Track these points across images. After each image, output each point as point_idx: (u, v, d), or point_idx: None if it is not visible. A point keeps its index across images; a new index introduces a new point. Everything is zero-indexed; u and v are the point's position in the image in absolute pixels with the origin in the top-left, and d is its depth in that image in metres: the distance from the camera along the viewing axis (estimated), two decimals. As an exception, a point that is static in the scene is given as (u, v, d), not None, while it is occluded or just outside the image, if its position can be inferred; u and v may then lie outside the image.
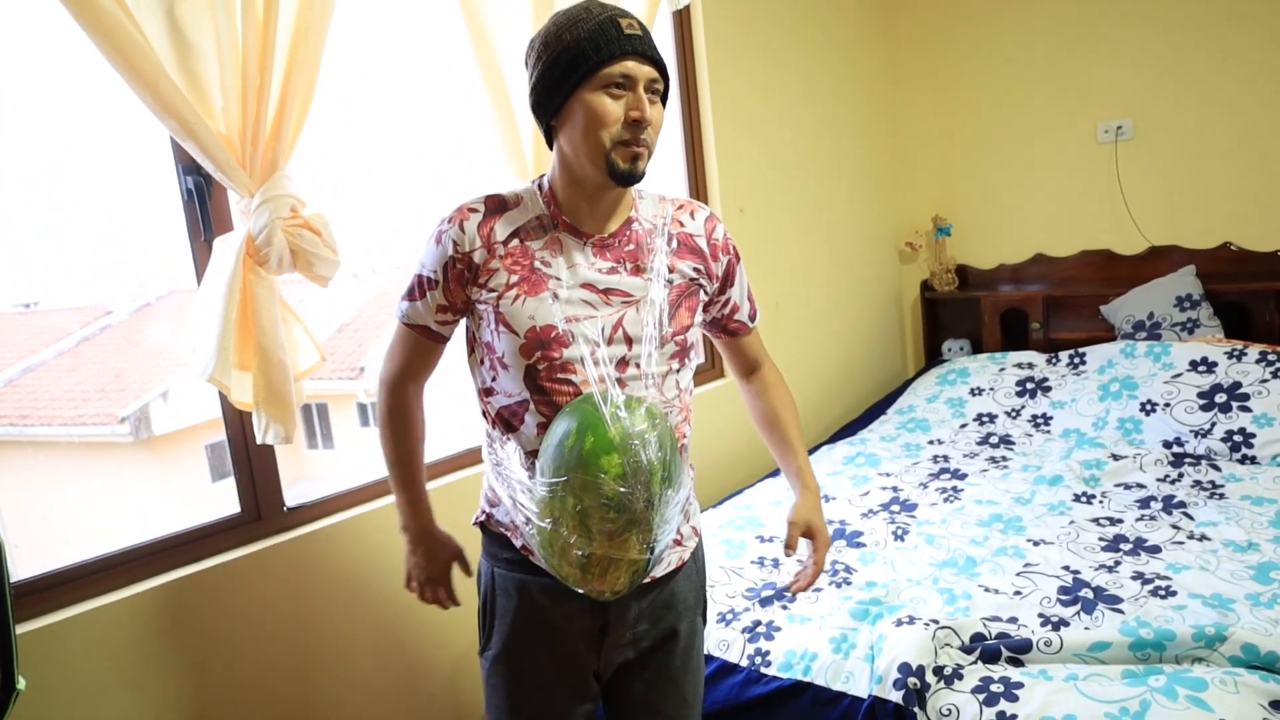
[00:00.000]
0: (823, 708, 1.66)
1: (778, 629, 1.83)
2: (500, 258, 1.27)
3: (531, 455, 1.25)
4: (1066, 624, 1.74)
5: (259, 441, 1.69)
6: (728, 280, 1.41)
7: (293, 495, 1.91)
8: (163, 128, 1.54)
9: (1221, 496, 2.32)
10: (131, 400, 4.04)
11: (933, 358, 3.77)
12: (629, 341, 1.26)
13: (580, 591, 1.19)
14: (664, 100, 1.26)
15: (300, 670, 1.86)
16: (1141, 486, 2.43)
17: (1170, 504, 2.30)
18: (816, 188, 3.36)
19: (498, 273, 1.26)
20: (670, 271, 1.31)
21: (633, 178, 1.23)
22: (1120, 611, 1.77)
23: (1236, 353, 2.78)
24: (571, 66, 1.20)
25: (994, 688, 1.55)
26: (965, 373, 3.32)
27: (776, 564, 2.14)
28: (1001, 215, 3.65)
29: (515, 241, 1.27)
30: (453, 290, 1.29)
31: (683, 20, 2.82)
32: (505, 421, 1.29)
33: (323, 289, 1.76)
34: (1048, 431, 2.94)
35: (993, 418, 3.09)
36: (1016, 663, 1.63)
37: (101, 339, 4.07)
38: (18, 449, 3.52)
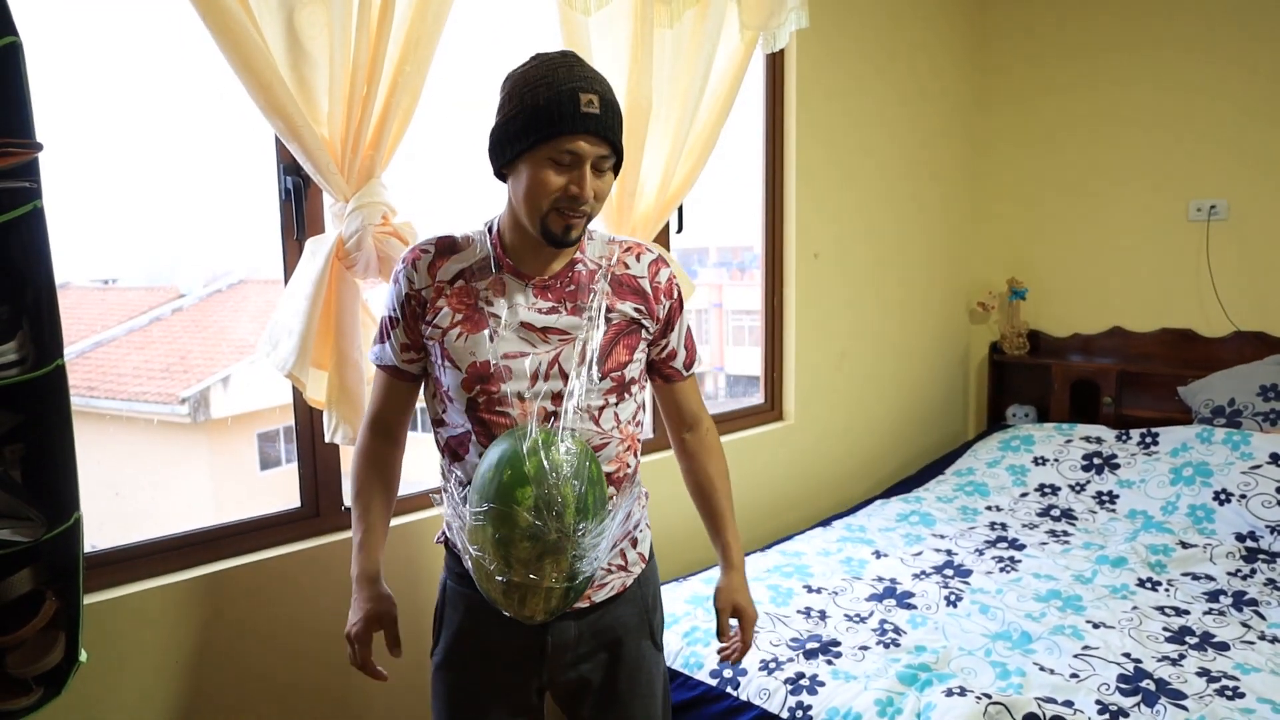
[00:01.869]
0: (863, 772, 1.61)
1: (821, 684, 1.79)
2: (446, 296, 1.34)
3: (466, 485, 1.30)
4: (1126, 715, 1.67)
5: (327, 440, 1.72)
6: (668, 325, 1.43)
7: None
8: (269, 127, 1.59)
9: (1297, 598, 2.21)
10: (194, 382, 4.15)
11: (996, 422, 3.69)
12: (564, 377, 1.31)
13: (508, 615, 1.24)
14: (616, 170, 1.31)
15: (345, 665, 1.87)
16: (1211, 579, 2.33)
17: (1241, 600, 2.20)
18: (893, 240, 3.33)
19: (443, 311, 1.33)
20: (609, 311, 1.35)
21: (563, 243, 1.29)
22: (1184, 708, 1.69)
23: (1321, 449, 2.67)
24: (525, 130, 1.24)
25: (1046, 773, 1.49)
26: (1030, 440, 3.24)
27: (824, 616, 2.10)
28: (1080, 284, 3.57)
29: (460, 281, 1.34)
30: (410, 328, 1.36)
31: (775, 62, 2.83)
32: (453, 451, 1.37)
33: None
34: (1113, 510, 2.85)
35: (1055, 490, 3.00)
36: (1071, 750, 1.56)
37: (172, 320, 4.20)
38: (84, 419, 3.63)
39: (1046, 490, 3.01)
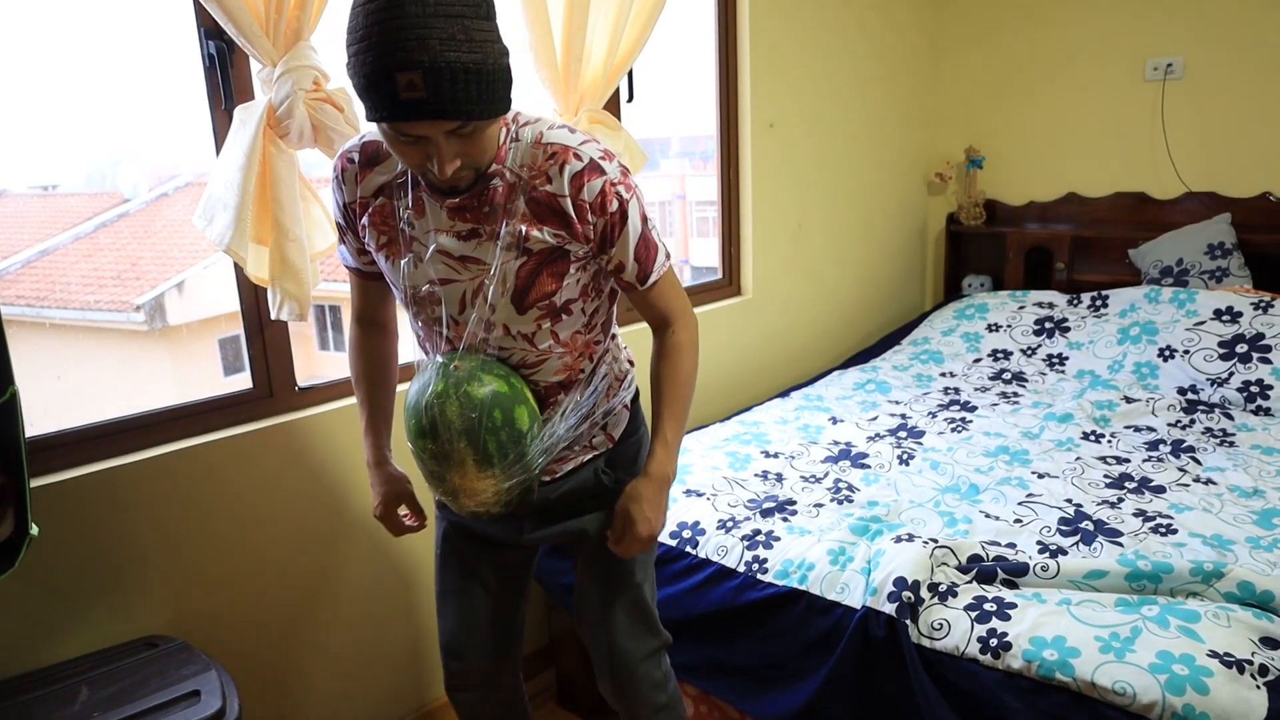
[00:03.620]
0: (816, 616, 1.69)
1: (776, 538, 1.85)
2: (370, 214, 1.31)
3: None
4: (1064, 553, 1.75)
5: (273, 316, 1.69)
6: (606, 241, 1.28)
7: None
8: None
9: (1231, 444, 2.31)
10: (147, 289, 4.05)
11: (952, 293, 3.73)
12: (492, 308, 1.28)
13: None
14: (499, 113, 1.13)
15: (315, 543, 1.90)
16: (1152, 430, 2.42)
17: (1179, 448, 2.29)
18: (851, 110, 3.27)
19: (368, 230, 1.32)
20: (526, 239, 1.24)
21: (458, 193, 1.23)
22: (1119, 544, 1.78)
23: (1263, 304, 2.73)
24: (361, 99, 1.09)
25: (987, 606, 1.57)
26: (984, 308, 3.29)
27: (781, 478, 2.16)
28: (1037, 151, 3.56)
29: (382, 198, 1.31)
30: (355, 235, 1.36)
31: (726, -81, 2.70)
32: (423, 349, 1.41)
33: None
34: (1062, 372, 2.92)
35: (1008, 354, 3.06)
36: (1011, 585, 1.64)
37: (119, 226, 4.07)
38: (36, 330, 3.56)
39: (999, 355, 3.07)
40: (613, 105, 2.39)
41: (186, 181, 3.54)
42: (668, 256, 1.38)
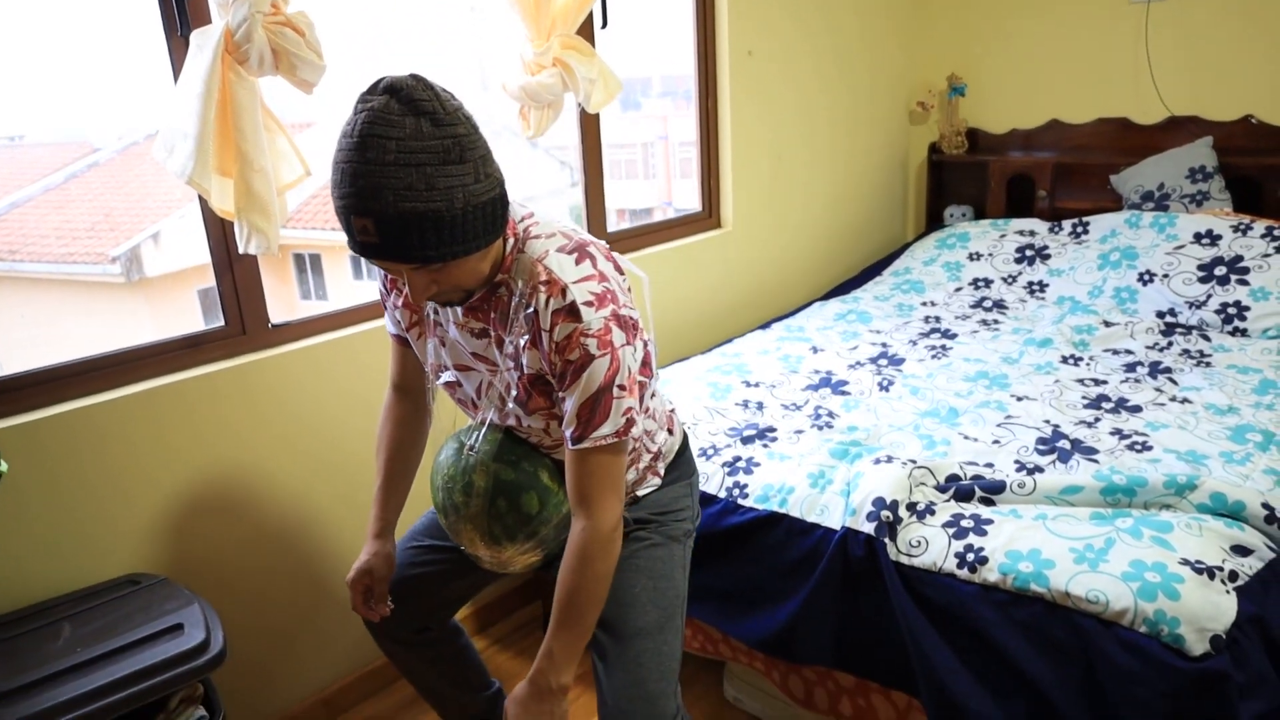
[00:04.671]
0: (796, 538, 1.70)
1: (757, 464, 1.86)
2: (399, 293, 1.36)
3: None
4: (1041, 470, 1.77)
5: (241, 250, 1.66)
6: (562, 383, 1.21)
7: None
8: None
9: (1208, 365, 2.32)
10: (122, 240, 3.98)
11: (934, 223, 3.71)
12: (503, 400, 1.31)
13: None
14: (457, 254, 1.10)
15: (293, 481, 1.89)
16: (1130, 353, 2.43)
17: (1156, 369, 2.31)
18: (832, 38, 3.20)
19: (400, 310, 1.38)
20: (521, 355, 1.24)
21: (453, 304, 1.24)
22: (1095, 461, 1.79)
23: (1243, 226, 2.73)
24: None
25: (964, 523, 1.58)
26: (965, 238, 3.27)
27: (761, 407, 2.16)
28: (1020, 77, 3.50)
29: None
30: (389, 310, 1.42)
31: None
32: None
33: (307, 95, 1.68)
34: (1042, 298, 2.92)
35: (988, 283, 3.06)
36: (989, 502, 1.66)
37: (89, 177, 3.98)
38: (10, 284, 3.50)
39: (980, 284, 3.07)
40: (586, 31, 2.33)
41: (158, 129, 3.47)
42: (617, 435, 1.21)
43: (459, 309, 1.26)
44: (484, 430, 1.34)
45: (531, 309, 1.20)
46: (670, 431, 1.50)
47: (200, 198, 1.68)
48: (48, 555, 1.57)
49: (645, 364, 1.32)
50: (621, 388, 1.21)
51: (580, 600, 1.23)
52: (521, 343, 1.22)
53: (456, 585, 1.55)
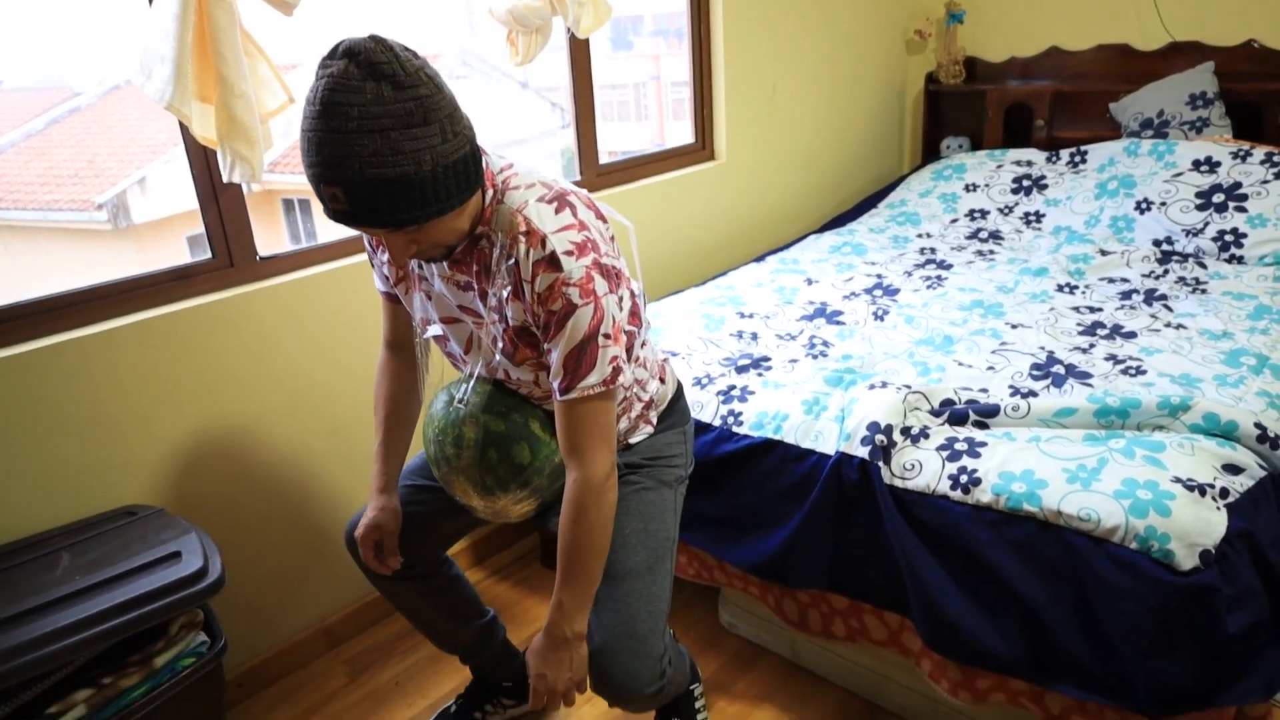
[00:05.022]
0: (791, 464, 1.71)
1: (751, 393, 1.86)
2: (384, 248, 1.33)
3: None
4: (1035, 394, 1.77)
5: (225, 179, 1.63)
6: (547, 334, 1.21)
7: (266, 245, 1.86)
8: None
9: (1204, 292, 2.31)
10: (107, 186, 3.90)
11: (931, 155, 3.66)
12: (490, 353, 1.31)
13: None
14: (430, 216, 1.09)
15: (284, 415, 1.89)
16: (1125, 281, 2.42)
17: (1152, 296, 2.30)
18: (825, -40, 3.12)
19: (386, 265, 1.37)
20: (505, 306, 1.23)
21: (436, 260, 1.24)
22: (1089, 385, 1.79)
23: (1242, 153, 2.70)
24: None
25: (958, 446, 1.59)
26: (962, 169, 3.23)
27: (756, 337, 2.15)
28: (1020, 3, 3.43)
29: None
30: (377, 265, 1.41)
31: None
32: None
33: (287, 17, 1.63)
34: (1038, 229, 2.90)
35: (985, 214, 3.03)
36: (983, 426, 1.66)
37: (71, 122, 3.89)
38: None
39: (976, 215, 3.04)
40: (574, -46, 2.26)
41: (134, 53, 3.38)
42: (605, 385, 1.21)
43: (445, 262, 1.26)
44: (473, 383, 1.34)
45: (513, 260, 1.19)
46: (662, 380, 1.50)
47: (182, 126, 1.64)
48: (38, 489, 1.57)
49: (634, 314, 1.32)
50: (606, 336, 1.20)
51: (581, 551, 1.25)
52: (504, 294, 1.22)
53: (449, 524, 1.56)
